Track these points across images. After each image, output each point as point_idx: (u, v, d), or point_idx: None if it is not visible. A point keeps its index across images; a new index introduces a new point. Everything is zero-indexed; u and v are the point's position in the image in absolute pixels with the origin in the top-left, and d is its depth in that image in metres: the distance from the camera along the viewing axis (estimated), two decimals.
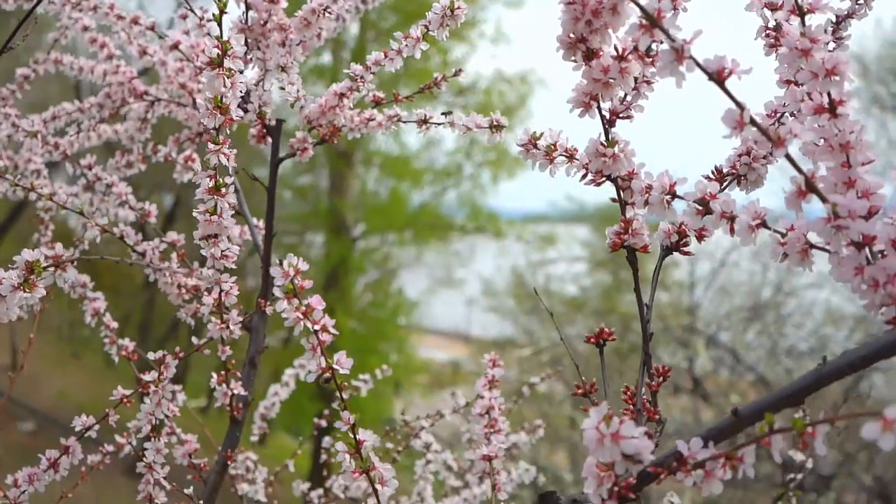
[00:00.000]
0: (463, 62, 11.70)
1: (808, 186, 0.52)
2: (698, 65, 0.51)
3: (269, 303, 0.98)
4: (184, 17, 1.12)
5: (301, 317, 0.62)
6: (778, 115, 0.70)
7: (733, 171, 0.69)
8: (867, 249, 0.52)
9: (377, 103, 1.00)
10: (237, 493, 1.31)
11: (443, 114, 0.97)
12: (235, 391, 0.97)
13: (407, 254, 12.50)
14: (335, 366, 0.64)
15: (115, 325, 1.10)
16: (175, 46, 1.07)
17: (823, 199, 0.52)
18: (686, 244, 0.68)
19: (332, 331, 0.63)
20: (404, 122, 0.98)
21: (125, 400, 0.92)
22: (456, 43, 11.62)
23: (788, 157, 0.51)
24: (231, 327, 0.91)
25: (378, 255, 12.28)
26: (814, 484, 5.87)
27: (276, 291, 0.62)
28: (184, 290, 1.02)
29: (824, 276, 7.24)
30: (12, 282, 0.67)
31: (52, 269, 0.69)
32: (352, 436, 0.65)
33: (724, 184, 0.69)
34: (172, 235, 1.05)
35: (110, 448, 1.11)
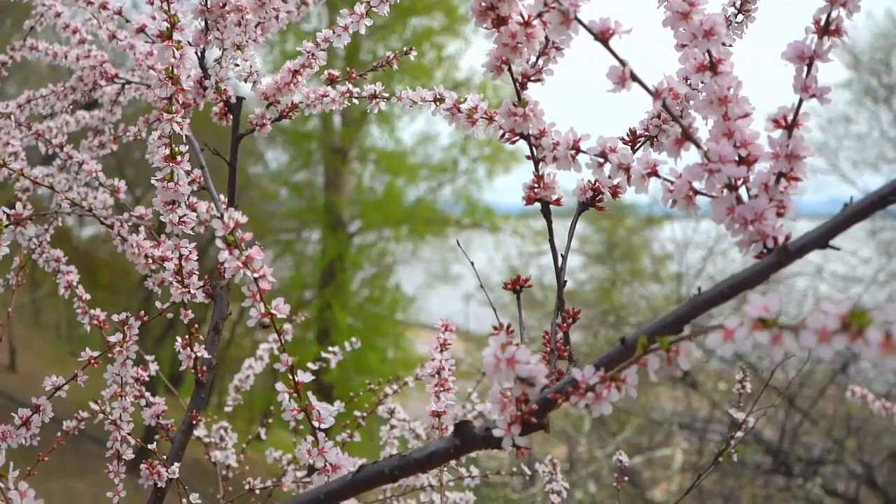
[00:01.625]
0: (457, 58, 11.76)
1: (685, 135, 0.57)
2: (584, 26, 0.56)
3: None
4: (150, 3, 1.17)
5: (241, 265, 0.68)
6: (688, 80, 0.75)
7: (646, 132, 0.74)
8: (741, 191, 0.58)
9: (332, 81, 1.06)
10: (211, 461, 1.36)
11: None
12: (199, 354, 1.03)
13: (403, 249, 12.56)
14: (273, 311, 0.69)
15: (87, 296, 1.15)
16: (141, 30, 1.12)
17: (699, 147, 0.57)
18: (601, 200, 0.73)
19: (271, 278, 0.69)
20: (356, 97, 1.04)
21: (92, 361, 0.98)
22: (451, 39, 11.69)
23: (665, 107, 0.57)
24: (192, 291, 0.96)
25: (374, 250, 12.35)
26: (802, 470, 5.94)
27: (218, 242, 0.68)
28: (150, 261, 1.08)
29: (808, 264, 7.29)
30: None
31: (12, 226, 0.74)
32: (291, 377, 0.71)
33: (637, 144, 0.74)
34: (140, 209, 1.11)
35: (84, 414, 1.16)
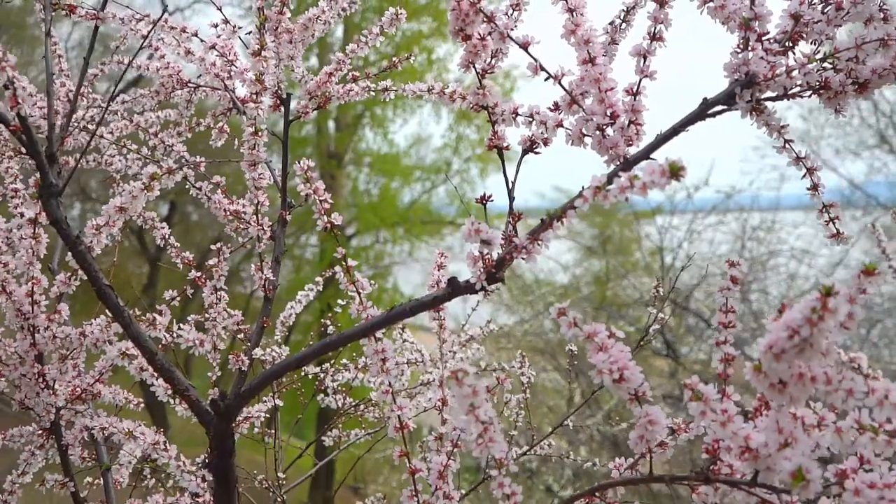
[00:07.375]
0: (447, 60, 12.19)
1: (573, 100, 1.00)
2: (513, 39, 0.98)
3: (288, 212, 1.45)
4: (215, 26, 1.59)
5: (311, 192, 1.10)
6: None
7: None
8: (609, 131, 1.00)
9: (354, 80, 1.48)
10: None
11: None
12: (267, 276, 1.44)
13: (400, 251, 12.95)
14: (332, 220, 1.11)
15: (178, 245, 1.57)
16: (212, 46, 1.54)
17: (581, 107, 0.99)
18: (536, 146, 1.15)
19: (329, 200, 1.11)
20: (373, 91, 1.46)
21: (197, 279, 1.40)
22: (440, 42, 12.12)
23: (560, 85, 0.99)
24: (265, 228, 1.38)
25: (371, 252, 12.74)
26: None
27: (297, 178, 1.10)
28: (227, 213, 1.49)
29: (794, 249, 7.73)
30: (140, 186, 1.14)
31: (166, 175, 1.16)
32: (344, 264, 1.13)
33: (561, 112, 1.16)
34: (216, 178, 1.52)
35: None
